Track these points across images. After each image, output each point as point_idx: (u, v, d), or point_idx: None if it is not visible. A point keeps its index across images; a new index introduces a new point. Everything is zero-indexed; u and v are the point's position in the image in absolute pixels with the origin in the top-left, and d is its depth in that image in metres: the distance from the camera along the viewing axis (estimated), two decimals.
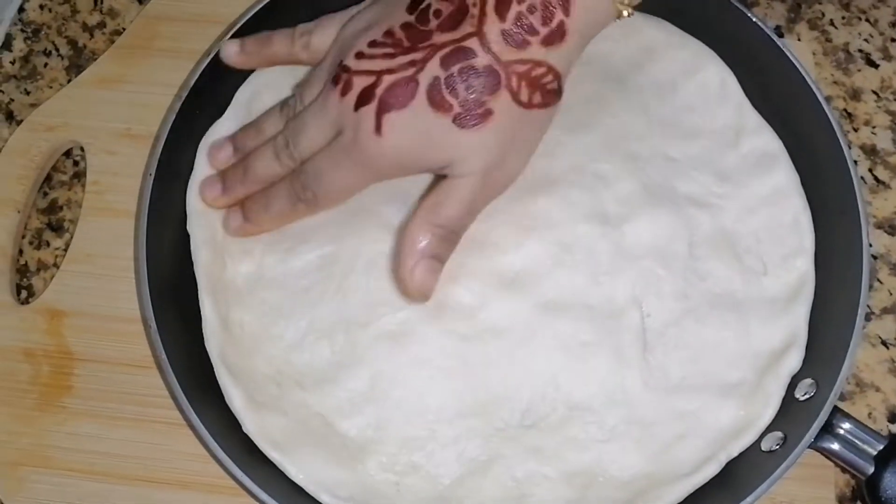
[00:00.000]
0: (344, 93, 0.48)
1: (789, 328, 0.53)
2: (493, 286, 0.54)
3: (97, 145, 0.61)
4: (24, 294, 0.59)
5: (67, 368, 0.56)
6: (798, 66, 0.56)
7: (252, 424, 0.51)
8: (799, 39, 0.66)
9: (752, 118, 0.58)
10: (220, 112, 0.57)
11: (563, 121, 0.57)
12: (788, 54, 0.56)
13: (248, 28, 0.56)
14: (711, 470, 0.51)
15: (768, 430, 0.51)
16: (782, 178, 0.56)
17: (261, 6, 0.57)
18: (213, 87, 0.56)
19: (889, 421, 0.56)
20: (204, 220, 0.55)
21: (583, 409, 0.52)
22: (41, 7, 0.68)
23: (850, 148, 0.55)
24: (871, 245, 0.53)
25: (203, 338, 0.52)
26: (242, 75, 0.58)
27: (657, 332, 0.54)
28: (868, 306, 0.58)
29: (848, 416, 0.50)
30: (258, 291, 0.54)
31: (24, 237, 0.61)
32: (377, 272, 0.54)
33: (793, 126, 0.57)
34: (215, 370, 0.52)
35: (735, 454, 0.51)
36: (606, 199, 0.56)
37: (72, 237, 0.59)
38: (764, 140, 0.57)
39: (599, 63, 0.59)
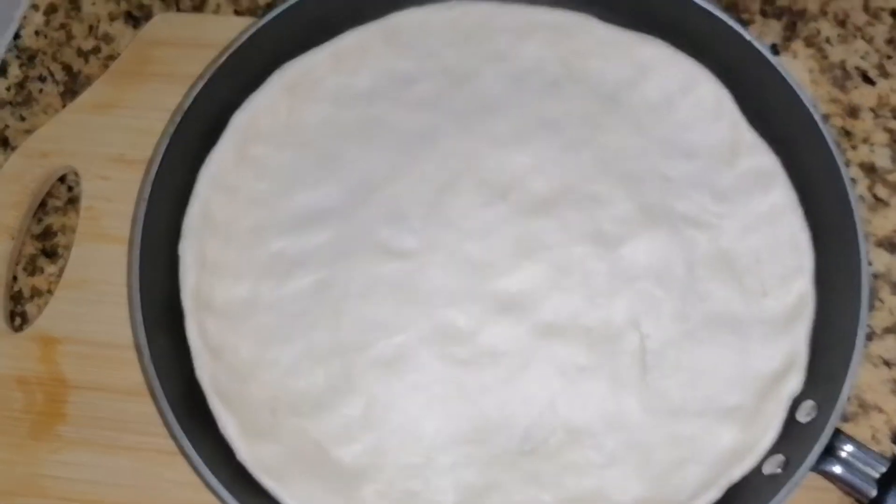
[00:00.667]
0: None
1: (789, 349, 0.53)
2: (489, 310, 0.54)
3: (91, 171, 0.61)
4: (17, 321, 0.59)
5: (61, 396, 0.55)
6: (793, 84, 0.55)
7: (246, 452, 0.50)
8: (795, 57, 0.66)
9: (748, 136, 0.58)
10: (214, 134, 0.57)
11: (557, 140, 0.57)
12: (783, 73, 0.55)
13: (242, 51, 0.56)
14: (712, 496, 0.50)
15: (770, 453, 0.50)
16: (779, 197, 0.56)
17: (254, 30, 0.57)
18: (206, 111, 0.56)
19: (893, 441, 0.55)
20: (196, 242, 0.54)
21: (581, 433, 0.51)
22: (36, 33, 0.68)
23: (847, 166, 0.54)
24: (870, 264, 0.52)
25: None
26: (237, 99, 0.57)
27: (656, 355, 0.53)
28: (869, 326, 0.58)
29: (850, 439, 0.49)
30: (252, 316, 0.54)
31: (17, 263, 0.60)
32: (373, 296, 0.54)
33: (789, 144, 0.56)
34: (207, 398, 0.51)
35: (736, 479, 0.50)
36: (603, 220, 0.56)
37: (66, 263, 0.59)
38: (760, 158, 0.57)
39: (591, 81, 0.59)
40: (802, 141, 0.55)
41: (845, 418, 0.56)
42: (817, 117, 0.54)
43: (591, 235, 0.55)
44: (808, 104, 0.55)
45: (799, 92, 0.55)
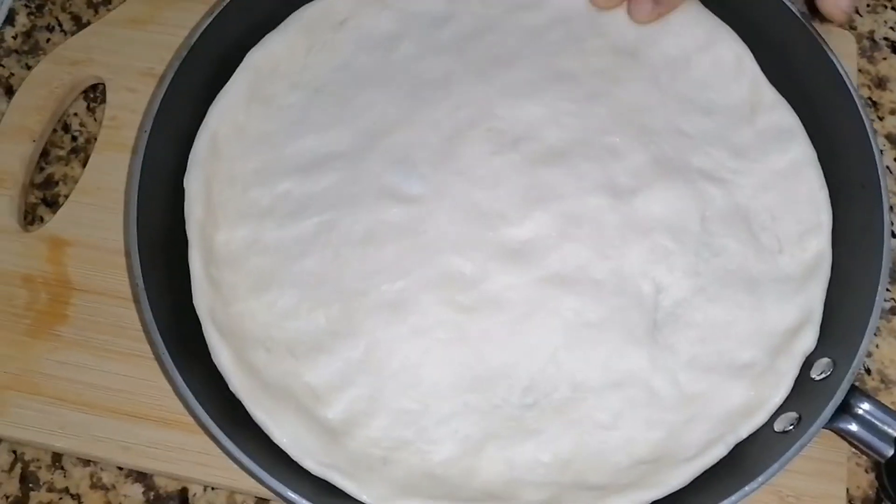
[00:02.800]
0: None
1: (804, 307, 0.51)
2: (495, 257, 0.52)
3: (118, 82, 0.61)
4: (29, 218, 0.59)
5: (64, 297, 0.55)
6: (821, 42, 0.54)
7: (238, 383, 0.49)
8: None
9: (769, 94, 0.57)
10: (223, 73, 0.56)
11: (573, 92, 0.56)
12: (811, 29, 0.55)
13: None
14: (718, 452, 0.48)
15: (781, 410, 0.48)
16: (798, 153, 0.55)
17: None
18: (215, 49, 0.56)
19: None
20: (202, 174, 0.54)
21: (586, 390, 0.50)
22: None
23: (871, 121, 0.52)
24: (893, 223, 0.50)
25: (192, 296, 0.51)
26: (249, 38, 0.57)
27: (666, 311, 0.52)
28: (894, 300, 0.55)
29: (868, 397, 0.47)
30: (252, 256, 0.53)
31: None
32: (377, 240, 0.53)
33: (811, 101, 0.55)
34: (203, 326, 0.50)
35: (744, 436, 0.48)
36: (617, 172, 0.54)
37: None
38: (780, 115, 0.56)
39: (611, 36, 0.59)
40: (824, 96, 0.54)
41: (866, 393, 0.53)
42: (842, 71, 0.53)
43: (603, 186, 0.54)
44: (834, 61, 0.54)
45: (826, 50, 0.54)
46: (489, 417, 0.50)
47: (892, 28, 0.65)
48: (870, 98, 0.62)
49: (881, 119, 0.62)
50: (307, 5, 0.58)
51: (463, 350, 0.51)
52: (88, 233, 0.57)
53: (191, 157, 0.54)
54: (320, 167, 0.55)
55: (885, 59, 0.64)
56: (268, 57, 0.57)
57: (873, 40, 0.64)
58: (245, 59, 0.57)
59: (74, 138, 0.62)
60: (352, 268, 0.52)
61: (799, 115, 0.56)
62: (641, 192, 0.54)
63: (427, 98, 0.57)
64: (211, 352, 0.50)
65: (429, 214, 0.53)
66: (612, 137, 0.55)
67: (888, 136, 0.61)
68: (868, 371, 0.55)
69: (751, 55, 0.57)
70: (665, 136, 0.56)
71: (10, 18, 0.66)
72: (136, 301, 0.54)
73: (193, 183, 0.53)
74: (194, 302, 0.51)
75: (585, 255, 0.52)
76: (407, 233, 0.53)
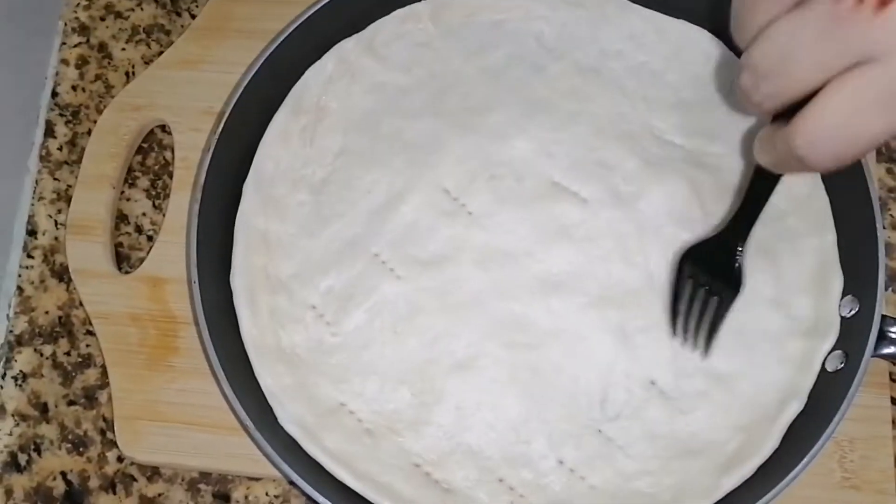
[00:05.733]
0: None
1: (819, 257, 0.57)
2: (538, 293, 0.57)
3: (183, 123, 0.65)
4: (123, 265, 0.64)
5: (172, 331, 0.61)
6: None
7: (348, 476, 0.54)
8: None
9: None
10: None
11: (552, 120, 0.61)
12: None
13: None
14: (796, 407, 0.54)
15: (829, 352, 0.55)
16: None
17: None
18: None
19: None
20: (246, 294, 0.57)
21: (659, 388, 0.56)
22: (73, 88, 0.69)
23: None
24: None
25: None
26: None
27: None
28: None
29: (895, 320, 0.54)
30: (323, 358, 0.57)
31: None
32: (423, 309, 0.57)
33: None
34: (299, 442, 0.54)
35: (810, 385, 0.55)
36: (616, 182, 0.59)
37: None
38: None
39: (570, 57, 0.63)
40: None
41: None
42: None
43: (609, 199, 0.58)
44: None
45: None
46: (585, 438, 0.55)
47: None
48: None
49: None
50: (295, 86, 0.62)
51: (541, 383, 0.56)
52: (182, 270, 0.61)
53: (231, 278, 0.58)
54: (350, 253, 0.59)
55: None
56: (267, 158, 0.60)
57: None
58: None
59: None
60: (414, 340, 0.57)
61: None
62: (643, 194, 0.59)
63: (425, 161, 0.60)
64: (309, 452, 0.54)
65: (458, 270, 0.58)
66: (601, 152, 0.60)
67: None
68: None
69: (710, 38, 0.62)
70: (645, 137, 0.60)
71: (50, 130, 0.67)
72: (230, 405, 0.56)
73: (243, 311, 0.57)
74: (280, 422, 0.55)
75: (616, 269, 0.57)
76: (446, 293, 0.57)
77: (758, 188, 0.51)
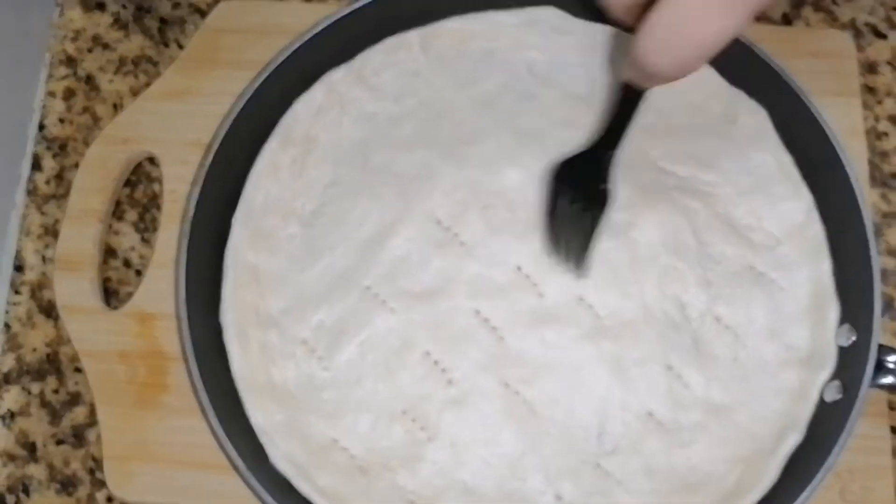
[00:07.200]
0: None
1: (815, 286, 0.57)
2: (532, 327, 0.56)
3: (171, 155, 0.64)
4: (112, 300, 0.63)
5: (162, 368, 0.59)
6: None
7: None
8: (808, 25, 0.69)
9: (737, 100, 0.61)
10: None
11: (544, 149, 0.60)
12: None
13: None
14: (795, 439, 0.54)
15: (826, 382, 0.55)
16: (768, 157, 0.60)
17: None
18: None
19: None
20: (234, 329, 0.57)
21: (656, 420, 0.55)
22: (61, 121, 0.68)
23: (876, 121, 0.58)
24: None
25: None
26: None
27: (697, 323, 0.57)
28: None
29: (892, 349, 0.54)
30: (315, 394, 0.56)
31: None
32: (414, 343, 0.56)
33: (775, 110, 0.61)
34: (291, 481, 0.54)
35: (808, 416, 0.54)
36: (608, 210, 0.58)
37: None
38: (747, 119, 0.61)
39: (559, 86, 0.62)
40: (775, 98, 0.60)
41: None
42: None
43: (603, 229, 0.58)
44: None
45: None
46: (582, 473, 0.54)
47: (869, 13, 0.69)
48: (864, 84, 0.67)
49: (880, 103, 0.67)
50: (284, 117, 0.61)
51: (536, 417, 0.55)
52: (171, 305, 0.60)
53: (221, 314, 0.57)
54: (342, 287, 0.58)
55: (870, 44, 0.68)
56: (256, 190, 0.60)
57: (856, 27, 0.69)
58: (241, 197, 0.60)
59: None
60: (407, 375, 0.56)
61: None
62: (636, 224, 0.58)
63: (417, 192, 0.59)
64: (301, 491, 0.54)
65: (451, 302, 0.57)
66: None
67: (890, 118, 0.66)
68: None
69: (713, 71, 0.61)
70: (638, 165, 0.59)
71: (37, 164, 0.66)
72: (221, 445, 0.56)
73: (233, 347, 0.57)
74: (272, 461, 0.54)
75: (611, 300, 0.57)
76: (439, 326, 0.57)
77: (623, 103, 0.54)
